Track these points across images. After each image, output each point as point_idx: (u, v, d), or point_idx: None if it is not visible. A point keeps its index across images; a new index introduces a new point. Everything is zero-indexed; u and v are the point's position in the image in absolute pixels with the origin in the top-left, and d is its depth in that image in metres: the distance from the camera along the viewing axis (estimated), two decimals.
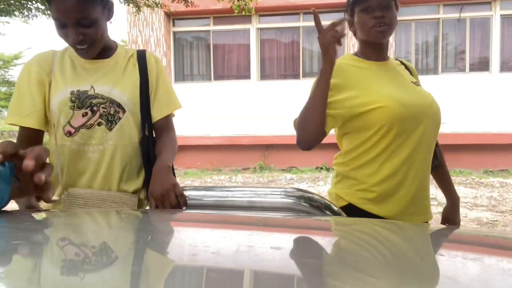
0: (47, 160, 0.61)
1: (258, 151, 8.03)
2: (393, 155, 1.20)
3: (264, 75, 8.50)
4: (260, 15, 8.30)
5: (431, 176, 1.34)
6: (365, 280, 0.37)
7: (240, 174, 7.61)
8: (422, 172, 1.24)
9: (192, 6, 5.16)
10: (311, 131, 1.17)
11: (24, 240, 0.48)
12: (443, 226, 1.14)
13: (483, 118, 7.35)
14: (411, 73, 1.38)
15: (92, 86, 1.21)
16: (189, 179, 7.16)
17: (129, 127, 1.24)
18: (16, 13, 5.81)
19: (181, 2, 5.08)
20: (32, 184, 0.58)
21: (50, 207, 1.20)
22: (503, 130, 7.32)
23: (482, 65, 7.86)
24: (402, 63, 1.40)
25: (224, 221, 0.65)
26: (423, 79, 1.44)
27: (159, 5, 5.37)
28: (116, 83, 1.24)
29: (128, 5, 5.51)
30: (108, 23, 1.23)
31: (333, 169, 1.37)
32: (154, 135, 1.32)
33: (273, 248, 0.45)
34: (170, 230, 0.61)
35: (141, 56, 1.31)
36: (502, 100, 7.34)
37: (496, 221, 4.29)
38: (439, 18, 7.91)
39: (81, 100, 1.19)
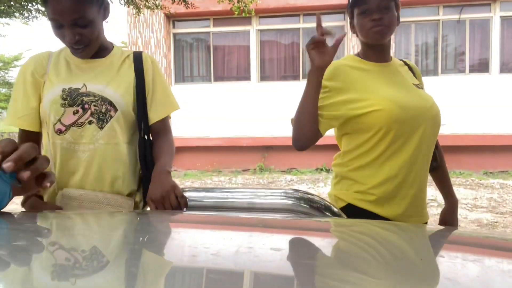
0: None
1: (258, 153, 8.03)
2: (392, 157, 1.19)
3: (264, 77, 8.50)
4: (260, 17, 8.31)
5: (430, 178, 1.34)
6: (366, 281, 0.37)
7: (240, 176, 7.61)
8: (422, 175, 1.23)
9: (192, 8, 5.18)
10: (303, 131, 1.17)
11: (24, 241, 0.48)
12: (443, 227, 1.14)
13: (483, 120, 7.36)
14: (414, 74, 1.37)
15: (84, 84, 1.20)
16: (189, 180, 7.16)
17: (120, 126, 1.23)
18: (17, 14, 5.82)
19: (181, 3, 5.09)
20: (33, 181, 0.58)
21: (49, 194, 1.21)
22: (503, 132, 7.33)
23: (481, 66, 7.87)
24: (406, 63, 1.39)
25: (224, 222, 0.65)
26: (423, 80, 1.44)
27: (159, 7, 5.38)
28: (109, 82, 1.23)
29: (128, 6, 5.52)
30: (104, 22, 1.23)
31: (333, 170, 1.37)
32: (151, 137, 1.31)
33: (273, 249, 0.45)
34: (170, 231, 0.61)
35: (138, 57, 1.30)
36: (502, 102, 7.34)
37: (496, 222, 4.29)
38: (439, 20, 7.92)
39: (72, 98, 1.18)
